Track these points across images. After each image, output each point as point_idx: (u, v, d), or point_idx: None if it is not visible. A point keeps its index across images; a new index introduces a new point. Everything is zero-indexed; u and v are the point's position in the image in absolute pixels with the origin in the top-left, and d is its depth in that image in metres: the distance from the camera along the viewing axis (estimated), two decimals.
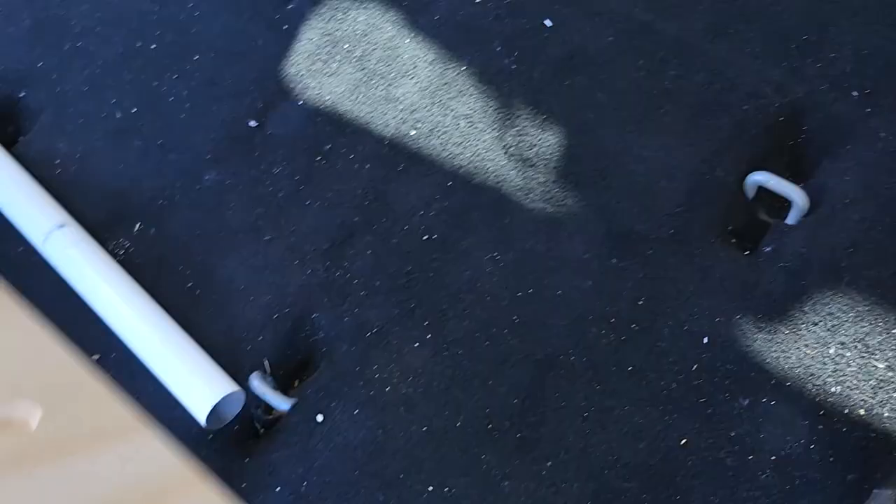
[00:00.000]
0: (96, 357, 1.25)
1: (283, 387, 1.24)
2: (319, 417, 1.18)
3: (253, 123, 1.44)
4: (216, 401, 1.12)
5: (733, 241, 1.22)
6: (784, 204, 1.24)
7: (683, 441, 1.09)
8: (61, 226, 1.27)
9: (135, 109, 1.48)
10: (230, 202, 1.37)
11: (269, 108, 1.45)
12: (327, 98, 1.43)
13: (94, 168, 1.43)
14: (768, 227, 1.23)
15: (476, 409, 1.15)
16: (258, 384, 1.21)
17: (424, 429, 1.14)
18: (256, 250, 1.32)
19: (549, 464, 1.10)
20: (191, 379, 1.13)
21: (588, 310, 1.19)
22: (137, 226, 1.37)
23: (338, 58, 1.47)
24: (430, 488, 1.11)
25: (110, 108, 1.49)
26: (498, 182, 1.30)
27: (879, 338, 1.09)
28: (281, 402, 1.20)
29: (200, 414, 1.11)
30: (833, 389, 1.08)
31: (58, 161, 1.44)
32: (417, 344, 1.20)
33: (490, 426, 1.14)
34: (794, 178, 1.23)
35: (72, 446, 1.00)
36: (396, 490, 1.11)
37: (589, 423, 1.12)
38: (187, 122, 1.46)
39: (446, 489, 1.10)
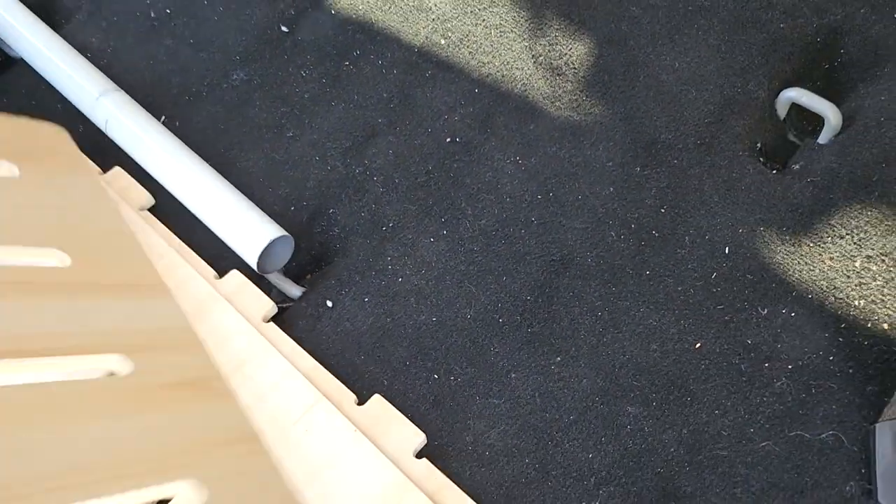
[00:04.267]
0: None
1: (295, 278, 1.23)
2: (329, 303, 1.16)
3: (285, 29, 1.44)
4: (271, 239, 1.14)
5: (761, 159, 1.20)
6: (815, 126, 1.21)
7: (698, 345, 1.07)
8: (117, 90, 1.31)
9: (168, 10, 1.49)
10: (256, 101, 1.37)
11: (301, 15, 1.45)
12: (360, 7, 1.43)
13: (124, 63, 1.44)
14: (797, 148, 1.21)
15: (488, 303, 1.13)
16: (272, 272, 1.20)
17: (434, 319, 1.13)
18: (278, 146, 1.32)
19: (558, 359, 1.08)
20: (243, 220, 1.16)
21: (608, 215, 1.17)
22: (162, 118, 1.37)
23: None
24: (436, 376, 1.09)
25: (144, 9, 1.50)
26: (525, 90, 1.28)
27: None
28: (292, 289, 1.19)
29: (253, 251, 1.13)
30: (856, 303, 1.05)
31: (88, 56, 1.45)
32: (433, 239, 1.19)
33: (501, 320, 1.12)
34: (827, 99, 1.21)
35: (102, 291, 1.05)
36: (401, 376, 1.09)
37: (601, 323, 1.10)
38: (220, 24, 1.46)
39: (452, 378, 1.08)
